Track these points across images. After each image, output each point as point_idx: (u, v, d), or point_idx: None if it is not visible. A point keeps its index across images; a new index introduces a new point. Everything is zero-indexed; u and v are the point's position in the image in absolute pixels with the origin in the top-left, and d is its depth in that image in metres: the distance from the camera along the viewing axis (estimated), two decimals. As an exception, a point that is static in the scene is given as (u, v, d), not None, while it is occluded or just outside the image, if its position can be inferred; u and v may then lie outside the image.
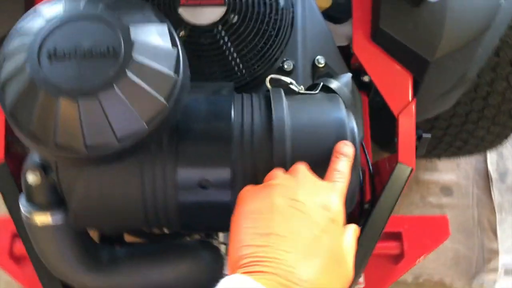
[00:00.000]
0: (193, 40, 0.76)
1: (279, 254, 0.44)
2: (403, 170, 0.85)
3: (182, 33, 0.76)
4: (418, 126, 0.99)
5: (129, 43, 0.48)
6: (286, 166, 0.56)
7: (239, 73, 0.76)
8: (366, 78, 1.14)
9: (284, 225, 0.46)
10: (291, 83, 0.66)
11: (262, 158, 0.57)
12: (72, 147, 0.48)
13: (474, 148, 1.35)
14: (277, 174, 0.53)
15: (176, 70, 0.51)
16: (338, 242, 0.49)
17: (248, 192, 0.52)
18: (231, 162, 0.57)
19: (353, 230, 0.53)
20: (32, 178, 0.59)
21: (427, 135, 0.89)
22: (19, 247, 1.05)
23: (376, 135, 1.33)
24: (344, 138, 0.58)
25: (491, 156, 1.69)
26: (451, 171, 1.69)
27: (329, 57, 0.82)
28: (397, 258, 1.05)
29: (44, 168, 0.60)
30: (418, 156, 0.92)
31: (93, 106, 0.46)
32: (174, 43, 0.52)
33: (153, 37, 0.50)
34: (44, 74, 0.46)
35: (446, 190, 1.67)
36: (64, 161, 0.58)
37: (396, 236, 1.05)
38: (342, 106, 0.61)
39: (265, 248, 0.45)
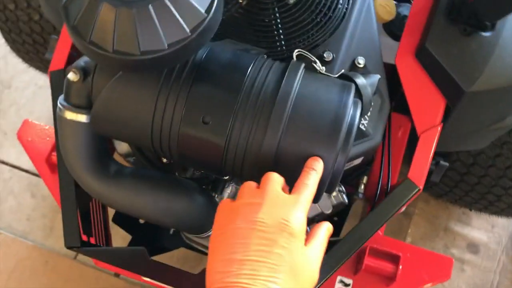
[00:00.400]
0: (249, 9, 0.83)
1: (241, 279, 0.49)
2: (409, 186, 0.86)
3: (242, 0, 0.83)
4: (448, 160, 1.00)
5: (174, -26, 0.55)
6: (280, 127, 0.61)
7: (280, 48, 0.82)
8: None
9: (245, 249, 0.51)
10: (315, 62, 0.70)
11: (262, 114, 0.62)
12: (102, 47, 0.56)
13: (508, 208, 1.31)
14: (245, 191, 0.59)
15: (208, 11, 0.58)
16: (298, 254, 0.53)
17: (222, 210, 0.58)
18: (234, 110, 0.62)
19: (319, 236, 0.58)
20: (72, 75, 0.69)
21: (444, 163, 0.90)
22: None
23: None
24: (341, 119, 0.62)
25: (531, 229, 1.62)
26: (484, 231, 1.64)
27: (370, 62, 0.85)
28: (388, 280, 1.05)
29: (84, 72, 0.69)
30: (432, 182, 0.93)
31: (126, 15, 0.54)
32: (215, -11, 0.59)
33: (196, -23, 0.57)
34: None
35: (473, 247, 1.63)
36: (101, 68, 0.68)
37: (394, 259, 1.06)
38: (352, 94, 0.65)
39: (229, 274, 0.50)
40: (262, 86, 0.64)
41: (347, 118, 0.63)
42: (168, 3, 0.55)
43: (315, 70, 0.72)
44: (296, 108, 0.62)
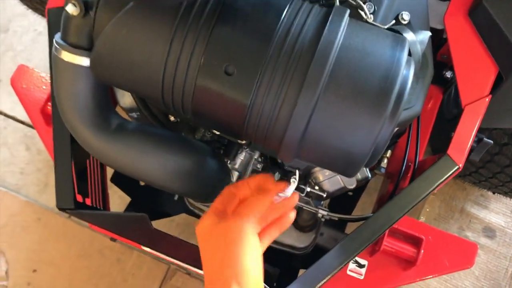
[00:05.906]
0: None
1: None
2: (447, 163, 0.76)
3: None
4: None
5: None
6: (319, 85, 0.50)
7: (314, -5, 0.70)
8: (448, 74, 1.05)
9: None
10: (361, 8, 0.59)
11: (297, 67, 0.51)
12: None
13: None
14: None
15: None
16: None
17: None
18: (264, 60, 0.52)
19: None
20: (71, 7, 0.57)
21: (488, 141, 0.80)
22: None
23: (435, 143, 1.23)
24: (394, 79, 0.51)
25: (552, 215, 1.54)
26: (502, 215, 1.56)
27: (415, 18, 0.74)
28: (408, 263, 0.97)
29: (85, 5, 0.58)
30: (472, 160, 0.83)
31: None
32: None
33: None
34: None
35: (489, 231, 1.54)
36: (106, 2, 0.56)
37: (416, 242, 0.97)
38: (406, 49, 0.54)
39: None
40: (300, 33, 0.52)
41: (400, 79, 0.52)
42: None
43: (360, 18, 0.61)
44: (339, 62, 0.51)
